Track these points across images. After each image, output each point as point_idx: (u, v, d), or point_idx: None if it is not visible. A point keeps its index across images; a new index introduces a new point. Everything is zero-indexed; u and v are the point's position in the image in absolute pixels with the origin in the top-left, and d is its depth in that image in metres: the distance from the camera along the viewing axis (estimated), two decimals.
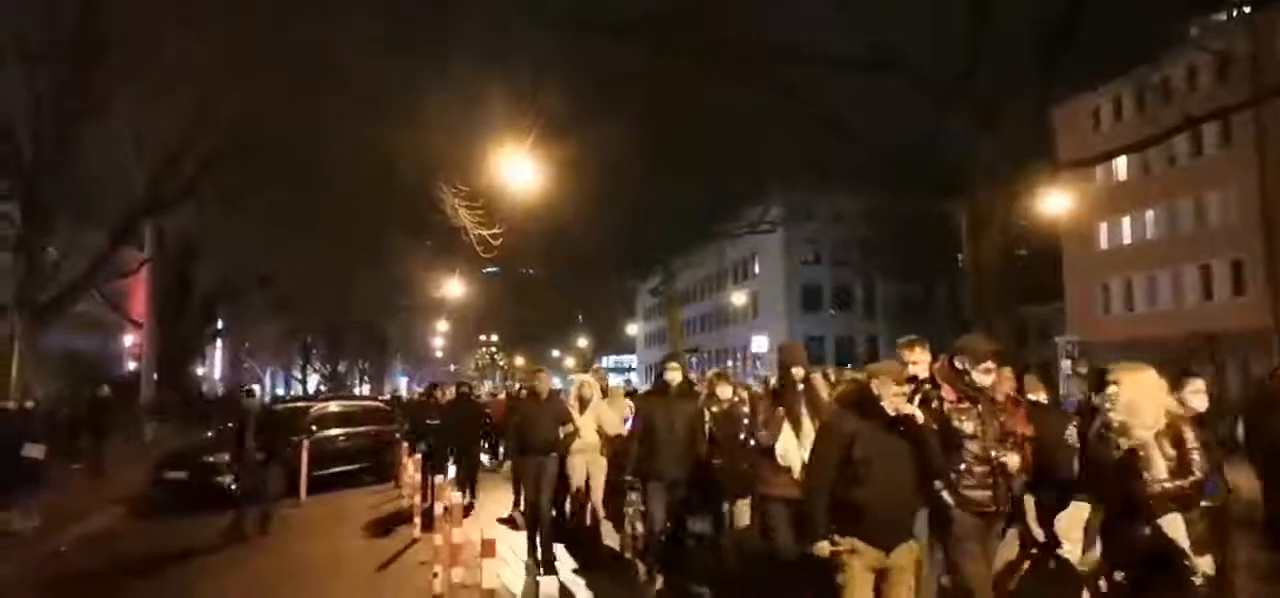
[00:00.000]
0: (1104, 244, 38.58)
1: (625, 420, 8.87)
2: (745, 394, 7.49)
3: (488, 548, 4.75)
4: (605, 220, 27.27)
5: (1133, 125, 31.07)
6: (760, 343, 51.98)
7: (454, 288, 34.23)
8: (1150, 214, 36.37)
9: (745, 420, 6.71)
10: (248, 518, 9.99)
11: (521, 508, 10.22)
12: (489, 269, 36.95)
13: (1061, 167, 18.52)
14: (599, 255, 34.32)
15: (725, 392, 6.96)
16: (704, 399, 7.19)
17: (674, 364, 7.18)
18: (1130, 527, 3.98)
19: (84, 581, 8.14)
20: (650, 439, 6.80)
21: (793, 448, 5.64)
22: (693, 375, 10.66)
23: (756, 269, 57.45)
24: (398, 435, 15.54)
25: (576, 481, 8.73)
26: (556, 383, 10.67)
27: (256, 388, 13.76)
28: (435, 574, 6.97)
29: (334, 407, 16.22)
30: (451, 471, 12.43)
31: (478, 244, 17.52)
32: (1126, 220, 37.49)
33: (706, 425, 6.86)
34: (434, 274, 31.93)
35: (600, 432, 8.76)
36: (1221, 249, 32.79)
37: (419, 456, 11.76)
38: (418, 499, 10.38)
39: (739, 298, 56.79)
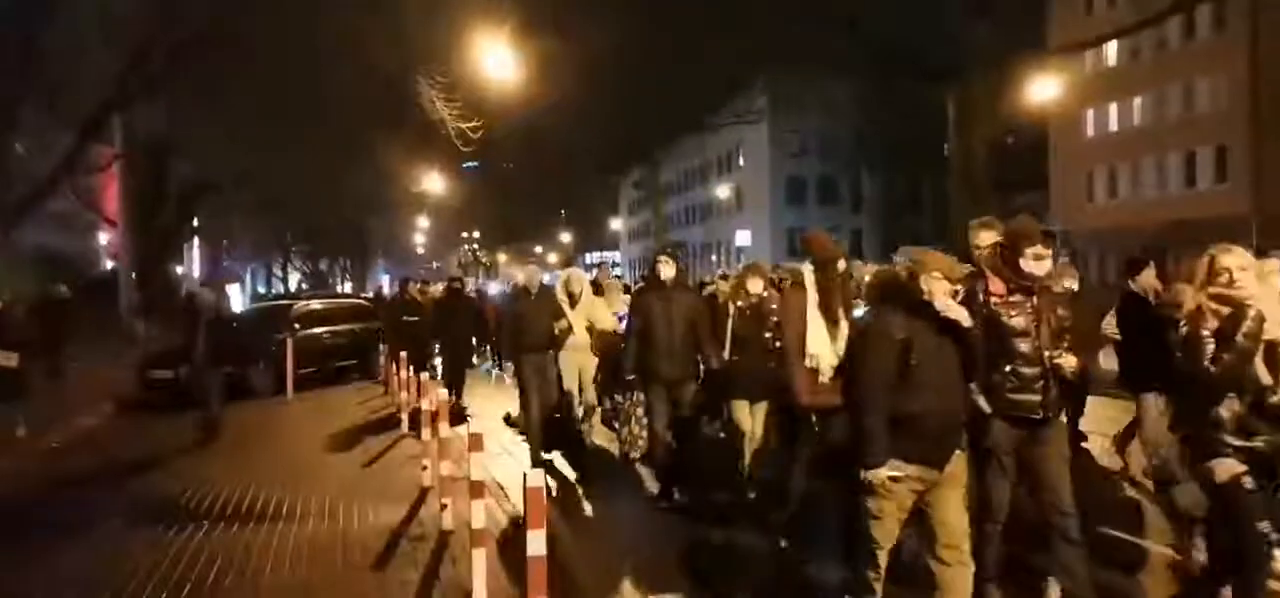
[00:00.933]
0: (1090, 132, 38.40)
1: (619, 317, 8.45)
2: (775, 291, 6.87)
3: (475, 442, 4.74)
4: (588, 113, 26.79)
5: (1125, 9, 30.46)
6: (744, 236, 51.95)
7: (434, 183, 33.75)
8: (1138, 101, 36.10)
9: (774, 320, 6.21)
10: (208, 421, 9.60)
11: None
12: (469, 164, 36.40)
13: (1052, 51, 18.24)
14: (581, 149, 33.90)
15: (756, 286, 6.27)
16: (729, 293, 6.66)
17: (666, 256, 6.71)
18: (1247, 427, 3.57)
19: (74, 479, 8.14)
20: (647, 337, 6.39)
21: (825, 349, 5.02)
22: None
23: (741, 162, 56.92)
24: (378, 333, 15.55)
25: (568, 381, 8.19)
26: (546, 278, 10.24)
27: (234, 287, 13.38)
28: (424, 467, 7.02)
29: (317, 305, 16.18)
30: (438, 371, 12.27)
31: (456, 138, 17.14)
32: (1114, 107, 37.22)
33: (730, 323, 6.27)
34: (413, 169, 31.41)
35: (591, 329, 8.25)
36: (1207, 135, 32.72)
37: (403, 355, 11.29)
38: (403, 396, 10.38)
39: (723, 191, 56.44)
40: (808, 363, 5.06)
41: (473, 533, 4.38)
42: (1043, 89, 16.85)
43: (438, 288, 13.61)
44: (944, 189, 17.02)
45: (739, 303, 6.30)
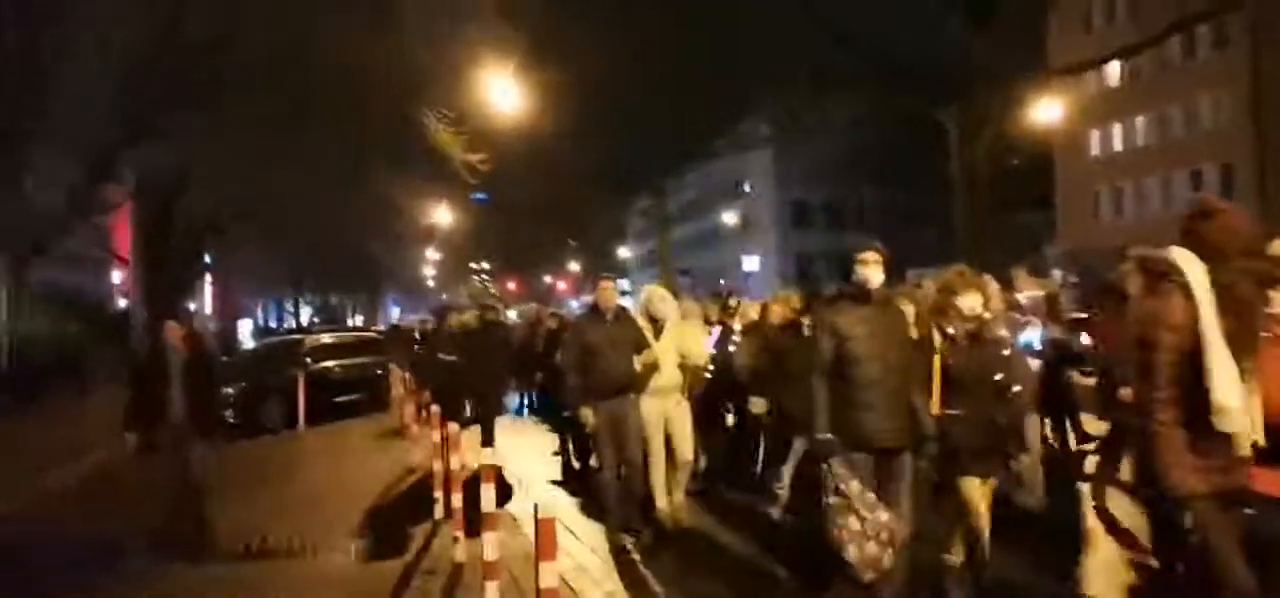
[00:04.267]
0: (1095, 151, 38.48)
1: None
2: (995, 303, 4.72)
3: (487, 475, 4.77)
4: (594, 142, 26.96)
5: (1126, 27, 30.61)
6: (752, 262, 51.99)
7: (443, 215, 33.98)
8: (1141, 120, 36.19)
9: (1004, 351, 4.44)
10: (192, 494, 6.61)
11: (575, 461, 8.41)
12: (477, 195, 36.63)
13: (1053, 72, 18.32)
14: (588, 178, 34.05)
15: (973, 303, 4.24)
16: (929, 312, 4.48)
17: (873, 254, 4.33)
18: None
19: (87, 516, 8.19)
20: (849, 378, 4.14)
21: (1234, 395, 2.80)
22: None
23: (746, 188, 57.19)
24: (390, 366, 15.61)
25: (652, 435, 6.28)
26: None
27: (230, 319, 13.18)
28: (436, 500, 7.04)
29: (328, 338, 16.30)
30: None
31: (464, 170, 17.31)
32: (1118, 126, 37.31)
33: (936, 359, 4.25)
34: (422, 201, 31.65)
35: (682, 364, 6.46)
36: (1212, 153, 32.72)
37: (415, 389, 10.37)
38: (414, 428, 10.35)
39: (730, 217, 56.64)
40: (1219, 420, 2.79)
41: (485, 566, 4.40)
42: (1046, 110, 16.95)
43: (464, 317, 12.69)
44: (948, 207, 17.07)
45: (950, 328, 4.27)
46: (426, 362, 10.35)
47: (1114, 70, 35.59)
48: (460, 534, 5.83)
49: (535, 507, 3.60)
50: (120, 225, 24.90)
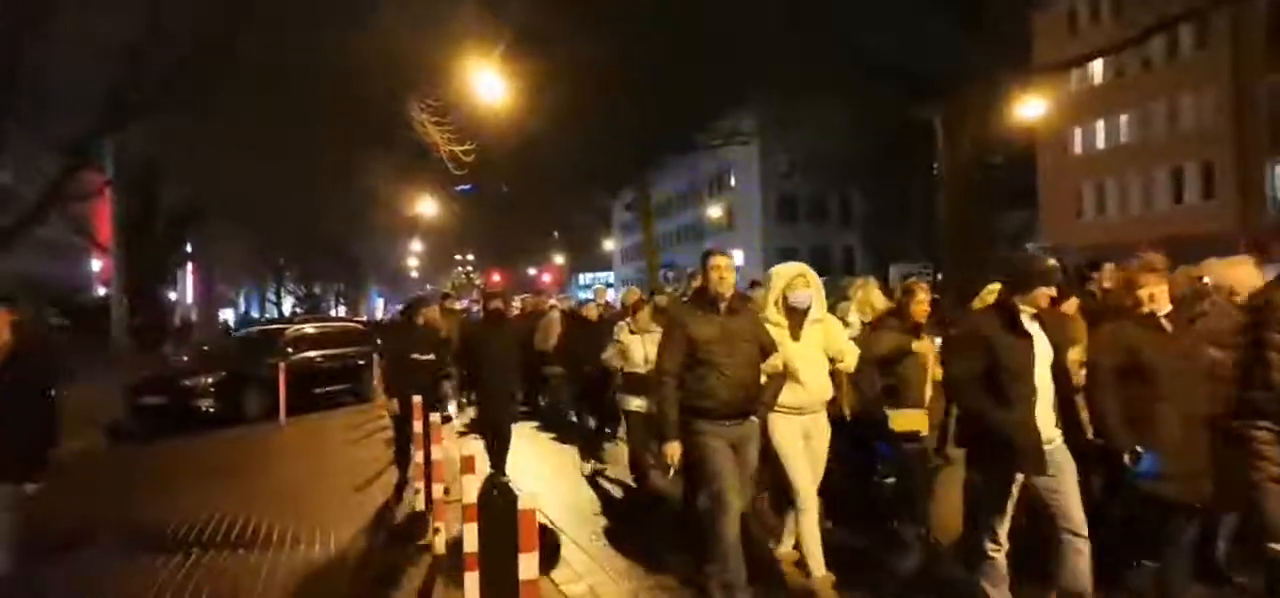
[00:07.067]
0: (1078, 149, 38.82)
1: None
2: None
3: (467, 465, 4.73)
4: (580, 134, 26.88)
5: (1110, 28, 30.85)
6: (737, 256, 52.09)
7: (427, 206, 33.85)
8: (1124, 118, 36.52)
9: None
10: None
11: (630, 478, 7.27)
12: (461, 187, 36.52)
13: (1038, 70, 18.43)
14: (573, 170, 33.99)
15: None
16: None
17: None
18: None
19: (61, 506, 8.07)
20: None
21: None
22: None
23: (732, 182, 57.29)
24: (370, 356, 15.50)
25: (794, 466, 4.61)
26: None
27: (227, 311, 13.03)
28: (417, 491, 6.99)
29: (310, 329, 16.17)
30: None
31: (449, 161, 17.21)
32: (1100, 124, 37.64)
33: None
34: (406, 192, 31.50)
35: (835, 371, 4.86)
36: (1193, 152, 33.08)
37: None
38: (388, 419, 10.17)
39: (715, 211, 56.74)
40: None
41: (465, 557, 4.37)
42: (1030, 108, 17.03)
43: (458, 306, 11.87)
44: (933, 205, 17.12)
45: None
46: (396, 361, 7.98)
47: (1098, 68, 35.91)
48: (440, 525, 5.80)
49: (515, 498, 3.57)
50: (99, 212, 24.61)
